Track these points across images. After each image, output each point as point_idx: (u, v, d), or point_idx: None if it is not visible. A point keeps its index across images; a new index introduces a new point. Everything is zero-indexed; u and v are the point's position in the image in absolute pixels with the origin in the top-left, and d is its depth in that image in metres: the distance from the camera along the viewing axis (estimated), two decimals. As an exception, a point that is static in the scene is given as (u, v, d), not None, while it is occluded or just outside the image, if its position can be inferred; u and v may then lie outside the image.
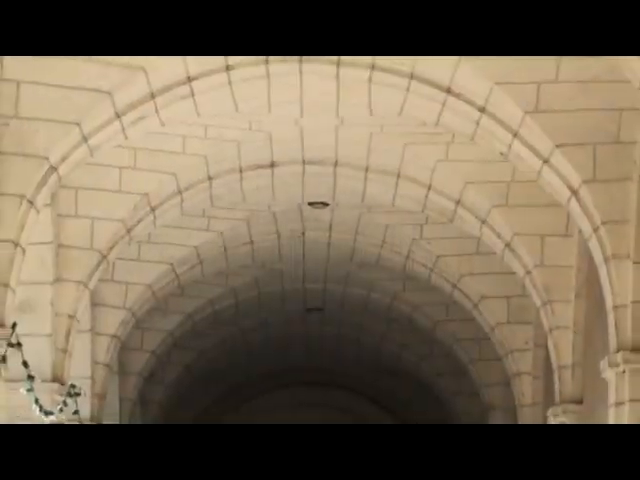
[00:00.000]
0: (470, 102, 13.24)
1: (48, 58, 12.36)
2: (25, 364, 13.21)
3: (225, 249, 19.41)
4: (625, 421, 13.18)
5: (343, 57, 13.10)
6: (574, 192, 13.22)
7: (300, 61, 13.18)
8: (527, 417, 19.69)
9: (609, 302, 13.34)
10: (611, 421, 13.40)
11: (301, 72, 13.32)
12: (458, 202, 16.18)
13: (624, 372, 13.16)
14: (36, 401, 13.97)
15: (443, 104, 13.42)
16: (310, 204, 17.82)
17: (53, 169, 12.73)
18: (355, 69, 13.30)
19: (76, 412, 16.16)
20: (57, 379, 15.52)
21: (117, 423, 21.73)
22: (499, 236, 16.22)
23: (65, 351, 15.78)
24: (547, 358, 17.34)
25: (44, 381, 14.88)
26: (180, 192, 16.06)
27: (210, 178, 16.11)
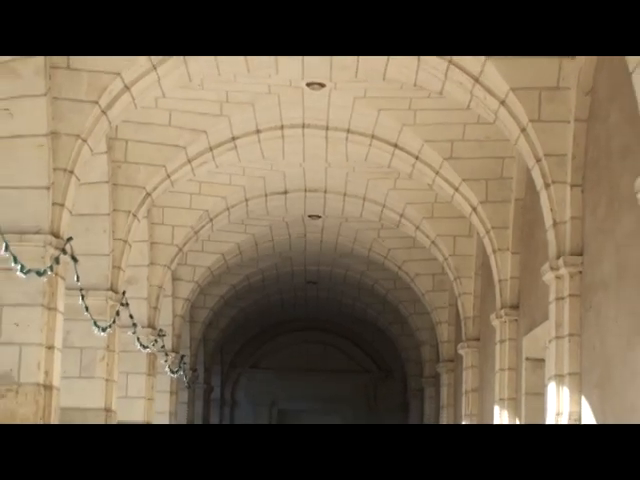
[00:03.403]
0: (409, 153, 13.26)
1: (146, 125, 12.40)
2: (131, 316, 13.21)
3: (256, 244, 19.38)
4: (506, 352, 13.20)
5: (331, 124, 13.13)
6: (474, 209, 13.26)
7: (303, 127, 13.21)
8: (445, 349, 19.68)
9: (496, 278, 13.36)
10: (497, 353, 13.41)
11: (303, 134, 13.35)
12: (402, 215, 16.16)
13: (505, 321, 13.18)
14: (137, 339, 13.97)
15: (392, 154, 13.44)
16: (309, 216, 17.77)
17: (148, 195, 12.75)
18: (337, 132, 13.33)
19: (163, 346, 16.17)
20: (151, 325, 15.52)
21: (188, 355, 21.73)
22: (427, 236, 16.20)
23: (156, 308, 15.76)
24: (457, 313, 17.31)
25: (143, 327, 14.89)
26: (228, 209, 16.03)
27: (246, 200, 16.08)
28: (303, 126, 13.18)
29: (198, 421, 26.37)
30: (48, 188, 9.43)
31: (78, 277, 10.21)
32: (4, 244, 8.51)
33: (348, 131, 13.22)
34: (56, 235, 9.45)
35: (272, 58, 10.81)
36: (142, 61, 9.62)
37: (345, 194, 16.18)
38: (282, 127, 13.11)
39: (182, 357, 19.31)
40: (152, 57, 9.65)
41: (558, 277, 9.86)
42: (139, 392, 15.45)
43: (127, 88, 9.79)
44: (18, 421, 9.17)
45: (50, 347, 9.42)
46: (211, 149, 13.01)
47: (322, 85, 11.83)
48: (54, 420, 9.49)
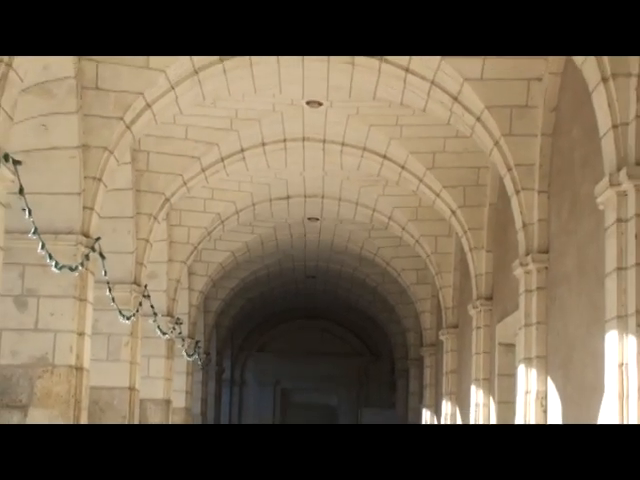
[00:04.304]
0: (396, 163, 13.24)
1: (165, 138, 12.38)
2: (152, 306, 13.19)
3: (262, 243, 19.35)
4: (481, 338, 13.19)
5: (327, 137, 13.12)
6: (453, 212, 13.24)
7: (303, 140, 13.19)
8: (427, 335, 19.66)
9: (472, 272, 13.34)
10: (473, 338, 13.40)
11: (303, 147, 13.34)
12: (390, 217, 16.15)
13: (480, 311, 13.17)
14: (158, 327, 13.95)
15: (381, 164, 13.42)
16: (309, 219, 17.75)
17: (167, 200, 12.73)
18: (333, 145, 13.31)
19: (180, 333, 16.15)
20: (169, 314, 15.49)
21: (202, 340, 21.69)
22: (412, 236, 16.19)
23: (174, 299, 15.74)
24: (438, 303, 17.30)
25: (162, 315, 14.86)
26: (237, 212, 16.00)
27: (254, 204, 16.06)
28: (303, 139, 13.18)
29: (211, 399, 26.37)
30: (79, 194, 9.43)
31: (106, 272, 10.21)
32: (41, 243, 8.50)
33: (343, 144, 13.21)
34: (86, 235, 9.45)
35: (276, 80, 10.81)
36: (162, 82, 9.62)
37: (340, 199, 16.17)
38: (285, 140, 13.11)
39: (197, 342, 19.30)
40: (170, 78, 9.65)
41: (527, 272, 9.86)
42: (159, 373, 15.44)
43: (149, 106, 9.79)
44: (53, 398, 9.18)
45: (81, 333, 9.42)
46: (222, 159, 12.99)
47: (320, 104, 11.83)
48: (84, 397, 9.50)
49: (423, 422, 20.10)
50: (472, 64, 9.41)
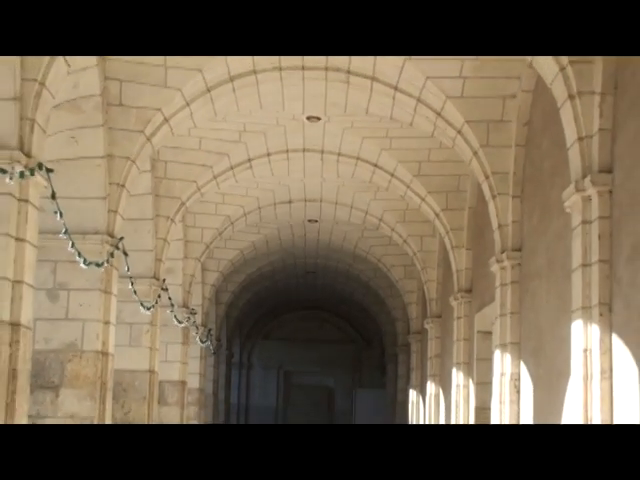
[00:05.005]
0: (386, 171, 13.23)
1: (181, 149, 12.37)
2: (169, 298, 13.17)
3: (267, 242, 19.33)
4: (461, 326, 13.18)
5: (325, 148, 13.10)
6: (437, 214, 13.25)
7: (303, 151, 13.19)
8: (414, 324, 19.64)
9: (454, 268, 13.34)
10: (455, 327, 13.39)
11: (304, 157, 13.34)
12: (380, 219, 16.14)
13: (461, 302, 13.17)
14: (175, 316, 13.94)
15: (373, 172, 13.41)
16: (309, 221, 17.72)
17: (183, 204, 12.71)
18: (330, 155, 13.31)
19: (194, 322, 16.14)
20: (185, 305, 15.48)
21: (214, 328, 21.68)
22: (400, 236, 16.18)
23: (189, 292, 15.73)
24: (423, 296, 17.29)
25: (179, 306, 14.86)
26: (245, 215, 16.00)
27: (259, 208, 16.04)
28: (304, 150, 13.18)
29: (222, 380, 26.36)
30: (105, 198, 9.45)
31: (128, 268, 10.22)
32: (70, 242, 8.52)
33: (339, 154, 13.21)
34: (111, 235, 9.47)
35: (280, 97, 10.81)
36: (178, 99, 9.63)
37: (336, 203, 16.15)
38: (287, 151, 13.11)
39: (209, 330, 19.30)
40: (186, 96, 9.65)
41: (502, 268, 9.88)
42: (176, 357, 15.45)
43: (166, 120, 9.79)
44: (81, 380, 9.20)
45: (106, 322, 9.43)
46: (232, 168, 12.99)
47: (318, 118, 11.83)
48: (109, 379, 9.51)
49: (410, 401, 20.09)
50: (453, 83, 9.43)
